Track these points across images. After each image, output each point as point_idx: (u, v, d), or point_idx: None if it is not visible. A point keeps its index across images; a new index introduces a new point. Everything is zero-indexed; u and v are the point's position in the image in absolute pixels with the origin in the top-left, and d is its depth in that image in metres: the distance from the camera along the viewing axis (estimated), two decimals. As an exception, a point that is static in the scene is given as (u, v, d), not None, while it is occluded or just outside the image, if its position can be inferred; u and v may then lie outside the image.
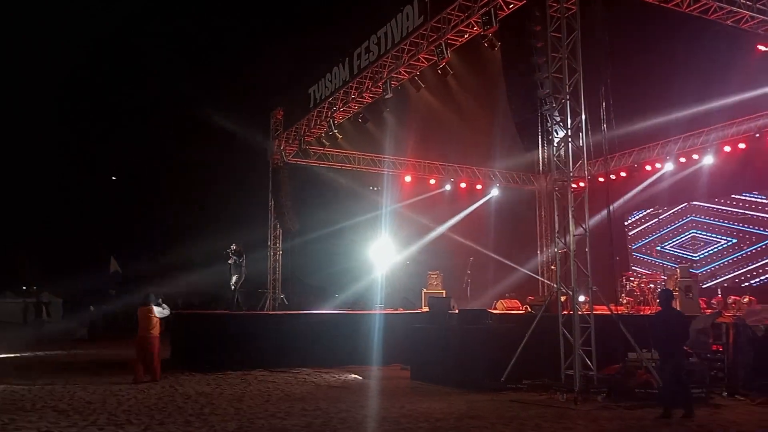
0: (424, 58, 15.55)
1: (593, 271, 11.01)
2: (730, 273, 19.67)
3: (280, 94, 23.41)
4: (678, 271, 16.01)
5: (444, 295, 18.66)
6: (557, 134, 11.24)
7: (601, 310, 12.26)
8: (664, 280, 16.55)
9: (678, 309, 11.83)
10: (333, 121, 19.04)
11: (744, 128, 18.40)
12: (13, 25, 35.76)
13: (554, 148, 11.48)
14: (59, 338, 23.19)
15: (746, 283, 19.08)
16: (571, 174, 11.14)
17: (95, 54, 37.98)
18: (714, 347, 11.20)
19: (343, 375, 13.81)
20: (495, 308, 17.95)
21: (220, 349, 14.63)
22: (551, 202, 13.55)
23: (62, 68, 37.94)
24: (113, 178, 41.45)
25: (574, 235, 10.98)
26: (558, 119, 11.16)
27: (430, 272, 20.43)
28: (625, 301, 16.42)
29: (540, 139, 11.64)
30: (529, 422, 8.72)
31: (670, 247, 21.50)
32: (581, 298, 11.24)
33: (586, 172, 11.42)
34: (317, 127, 20.23)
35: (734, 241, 19.85)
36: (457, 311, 14.18)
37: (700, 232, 20.78)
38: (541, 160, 23.91)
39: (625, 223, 23.03)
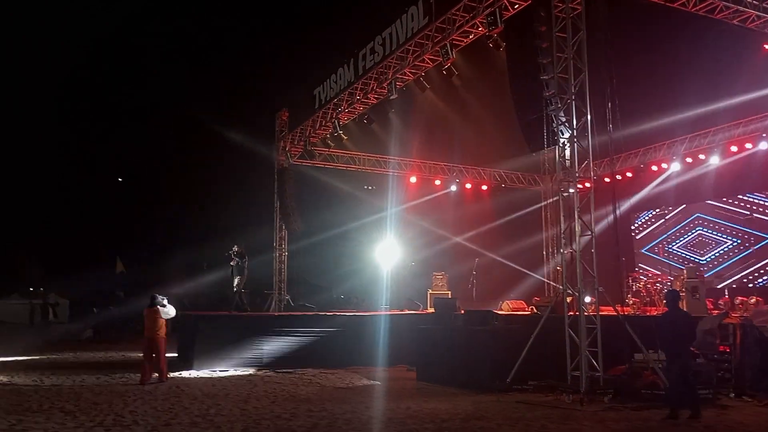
0: (429, 58, 15.56)
1: (599, 272, 10.98)
2: (738, 274, 19.60)
3: (285, 95, 23.51)
4: (685, 271, 15.95)
5: (449, 296, 18.65)
6: (563, 135, 11.21)
7: (608, 310, 12.22)
8: (671, 281, 16.50)
9: (685, 310, 11.80)
10: (338, 122, 19.06)
11: (751, 128, 18.32)
12: (13, 25, 35.91)
13: (560, 148, 11.46)
14: (66, 339, 23.27)
15: (753, 284, 19.02)
16: (577, 174, 11.12)
17: (95, 54, 38.10)
18: (721, 348, 11.15)
19: (349, 376, 13.81)
20: (501, 309, 17.94)
21: (227, 350, 14.67)
22: (557, 202, 13.52)
23: (62, 68, 38.08)
24: (119, 179, 41.59)
25: (579, 236, 10.95)
26: (563, 120, 11.14)
27: (436, 273, 20.43)
28: (631, 301, 16.37)
29: (545, 140, 11.60)
30: (534, 423, 8.69)
31: (677, 247, 21.43)
32: (587, 299, 11.21)
33: (591, 173, 11.40)
34: (322, 128, 20.25)
35: (739, 241, 19.80)
36: (462, 312, 14.16)
37: (706, 230, 20.72)
38: (546, 160, 24.12)
39: (632, 224, 22.96)
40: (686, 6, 13.11)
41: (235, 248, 16.80)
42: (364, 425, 8.76)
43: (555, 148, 11.70)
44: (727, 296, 16.90)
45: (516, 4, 12.88)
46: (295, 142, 21.88)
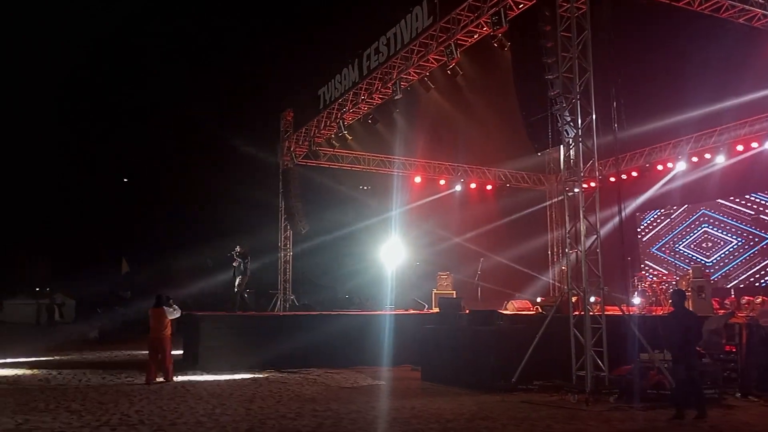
0: (433, 58, 15.55)
1: (605, 272, 10.96)
2: (744, 274, 19.54)
3: (289, 95, 23.54)
4: (690, 271, 15.91)
5: (454, 296, 18.63)
6: (568, 134, 11.20)
7: (613, 310, 12.20)
8: (677, 281, 16.45)
9: (691, 309, 11.76)
10: (343, 123, 19.08)
11: (757, 128, 18.25)
12: (13, 25, 36.05)
13: (564, 148, 11.44)
14: (71, 340, 23.34)
15: (759, 283, 18.95)
16: (582, 174, 11.10)
17: (95, 54, 38.24)
18: (727, 348, 11.10)
19: (353, 376, 13.82)
20: (506, 309, 17.91)
21: (232, 349, 14.68)
22: (562, 202, 13.49)
23: (62, 68, 38.22)
24: (125, 180, 41.72)
25: (584, 236, 10.93)
26: (568, 119, 11.12)
27: (440, 273, 20.42)
28: (637, 301, 16.32)
29: (550, 140, 11.59)
30: (540, 423, 8.68)
31: (683, 247, 21.36)
32: (592, 299, 11.19)
33: (597, 172, 11.38)
34: (327, 128, 20.27)
35: (743, 240, 19.76)
36: (467, 312, 14.15)
37: (711, 227, 20.65)
38: (551, 160, 24.08)
39: (637, 223, 22.91)
40: (691, 5, 13.08)
41: (238, 249, 16.80)
42: (368, 425, 8.77)
43: (560, 147, 11.70)
44: (733, 296, 16.85)
45: (521, 3, 12.87)
46: (300, 143, 21.90)
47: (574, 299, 11.40)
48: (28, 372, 14.21)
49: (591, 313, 10.66)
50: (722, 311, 14.17)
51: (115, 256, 34.95)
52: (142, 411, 9.63)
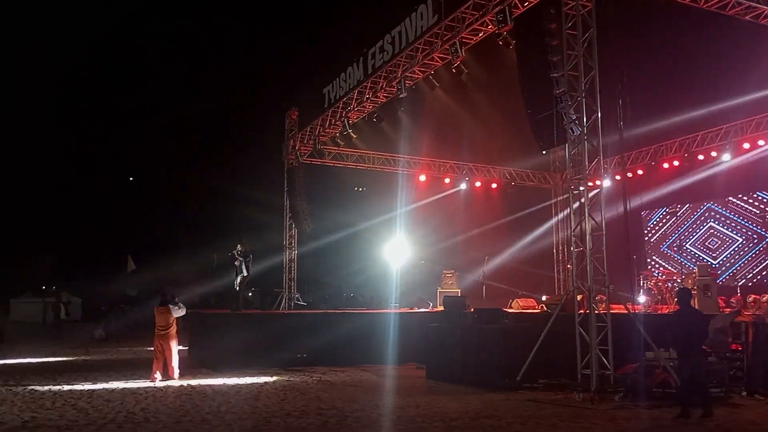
0: (438, 57, 15.53)
1: (610, 270, 10.94)
2: (751, 272, 19.46)
3: (294, 94, 23.58)
4: (696, 269, 15.85)
5: (459, 294, 18.62)
6: (573, 132, 11.17)
7: (618, 308, 12.17)
8: (682, 279, 16.39)
9: (696, 308, 11.73)
10: (348, 121, 19.07)
11: (764, 125, 18.15)
12: (13, 25, 36.18)
13: (570, 146, 11.42)
14: (78, 338, 23.44)
15: (766, 281, 18.88)
16: (587, 172, 11.07)
17: (95, 54, 38.37)
18: (733, 346, 11.06)
19: (358, 374, 13.83)
20: (511, 307, 17.89)
21: (237, 347, 14.71)
22: (567, 200, 13.47)
23: (62, 68, 38.36)
24: (130, 178, 41.85)
25: (590, 234, 10.91)
26: (574, 117, 11.10)
27: (445, 271, 20.40)
28: (642, 299, 16.28)
29: (555, 138, 11.56)
30: (545, 421, 8.68)
31: (690, 245, 21.30)
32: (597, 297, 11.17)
33: (602, 170, 11.35)
34: (332, 126, 20.28)
35: (745, 239, 19.70)
36: (472, 310, 14.14)
37: (717, 223, 20.59)
38: (556, 158, 24.03)
39: (644, 222, 22.84)
40: (697, 3, 13.01)
41: (239, 247, 16.78)
42: (373, 423, 8.78)
43: (565, 146, 11.67)
44: (739, 294, 16.78)
45: (526, 1, 12.84)
46: (305, 141, 21.92)
47: (579, 297, 11.38)
48: (35, 369, 14.28)
49: (596, 312, 10.64)
50: (728, 309, 14.12)
51: (120, 254, 35.05)
52: (147, 409, 9.67)
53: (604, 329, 10.53)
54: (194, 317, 16.47)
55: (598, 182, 11.36)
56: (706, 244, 20.94)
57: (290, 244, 22.46)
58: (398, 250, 22.12)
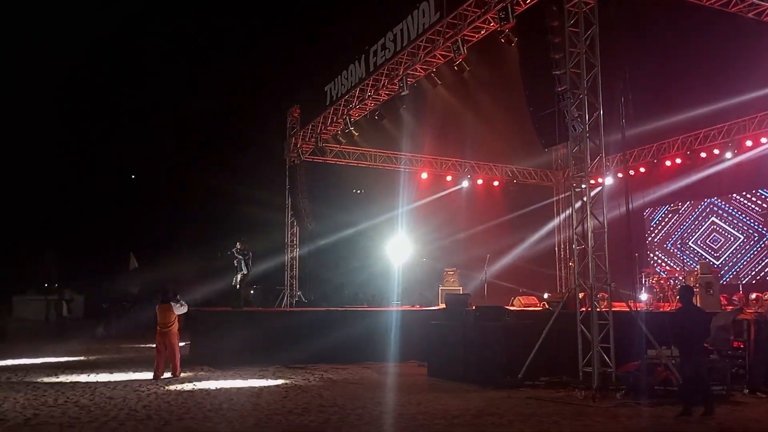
0: (440, 54, 15.52)
1: (612, 268, 10.93)
2: (753, 270, 19.44)
3: (296, 92, 23.58)
4: (698, 267, 15.84)
5: (461, 292, 18.62)
6: (575, 130, 11.16)
7: (620, 306, 12.16)
8: (684, 276, 16.38)
9: (698, 306, 11.72)
10: (349, 119, 19.08)
11: (767, 122, 18.11)
12: (13, 25, 36.20)
13: (572, 143, 11.41)
14: (80, 336, 23.49)
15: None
16: (589, 170, 11.06)
17: (95, 54, 38.37)
18: (735, 344, 11.05)
19: (360, 371, 13.84)
20: (512, 305, 17.87)
21: (239, 345, 14.73)
22: (569, 198, 13.46)
23: (62, 68, 38.37)
24: (132, 176, 41.91)
25: (592, 232, 10.90)
26: (576, 115, 11.08)
27: (447, 269, 20.40)
28: (644, 297, 16.26)
29: (557, 135, 11.54)
30: (546, 419, 8.68)
31: (692, 243, 21.27)
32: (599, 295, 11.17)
33: (604, 168, 11.33)
34: (333, 124, 20.28)
35: (749, 236, 19.67)
36: (473, 308, 14.14)
37: (719, 220, 20.56)
38: (559, 156, 24.02)
39: (647, 221, 22.82)
40: (701, 0, 12.98)
41: (238, 245, 16.75)
42: (375, 420, 8.78)
43: (567, 143, 11.65)
44: (741, 292, 16.78)
45: (528, -2, 12.82)
46: (307, 139, 21.92)
47: (581, 295, 11.38)
48: (38, 367, 14.32)
49: (598, 309, 10.64)
50: (730, 307, 14.12)
51: (122, 253, 35.10)
52: (149, 406, 9.68)
53: (605, 327, 10.53)
54: (196, 315, 16.49)
55: (600, 180, 11.32)
56: (708, 242, 20.91)
57: (292, 242, 22.48)
58: (400, 248, 22.12)
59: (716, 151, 19.36)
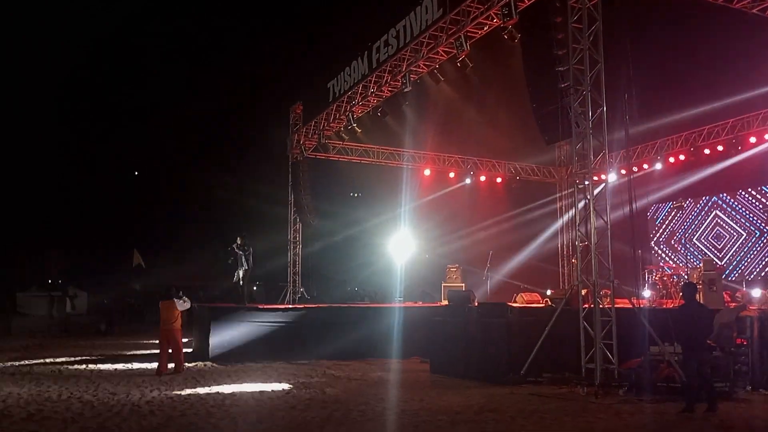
0: (443, 51, 15.50)
1: (615, 265, 10.91)
2: (757, 267, 19.40)
3: (299, 88, 23.56)
4: (702, 264, 15.80)
5: (463, 289, 18.61)
6: (578, 126, 11.14)
7: (623, 303, 12.15)
8: (687, 273, 16.34)
9: (702, 302, 11.70)
10: (352, 115, 19.06)
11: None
12: (13, 25, 36.25)
13: (575, 140, 11.38)
14: (84, 332, 23.56)
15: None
16: (593, 166, 11.04)
17: (95, 54, 38.40)
18: (738, 341, 11.02)
19: (363, 368, 13.86)
20: (515, 301, 17.86)
21: (242, 341, 14.78)
22: (572, 195, 13.44)
23: (62, 68, 38.42)
24: (135, 173, 41.99)
25: (595, 228, 10.89)
26: (579, 111, 11.06)
27: (450, 266, 20.39)
28: (647, 294, 16.23)
29: (561, 132, 11.52)
30: (549, 416, 8.68)
31: (696, 240, 21.23)
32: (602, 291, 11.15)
33: (607, 165, 11.31)
34: (336, 121, 20.27)
35: (747, 234, 19.62)
36: (476, 304, 14.14)
37: (723, 215, 20.51)
38: (562, 152, 23.98)
39: (648, 216, 22.77)
40: (704, -4, 12.95)
41: (238, 240, 16.72)
42: (378, 416, 8.80)
43: (571, 140, 11.63)
44: (744, 289, 16.73)
45: (531, -6, 12.78)
46: (309, 136, 21.92)
47: (584, 292, 11.37)
48: (40, 363, 14.36)
49: (601, 306, 10.63)
50: (733, 304, 14.08)
51: (125, 250, 35.21)
52: (152, 402, 9.71)
53: (608, 323, 10.52)
54: (198, 311, 16.52)
55: (603, 177, 11.31)
56: (710, 239, 20.87)
57: (295, 238, 22.49)
58: (403, 245, 22.12)
59: (720, 148, 19.30)
